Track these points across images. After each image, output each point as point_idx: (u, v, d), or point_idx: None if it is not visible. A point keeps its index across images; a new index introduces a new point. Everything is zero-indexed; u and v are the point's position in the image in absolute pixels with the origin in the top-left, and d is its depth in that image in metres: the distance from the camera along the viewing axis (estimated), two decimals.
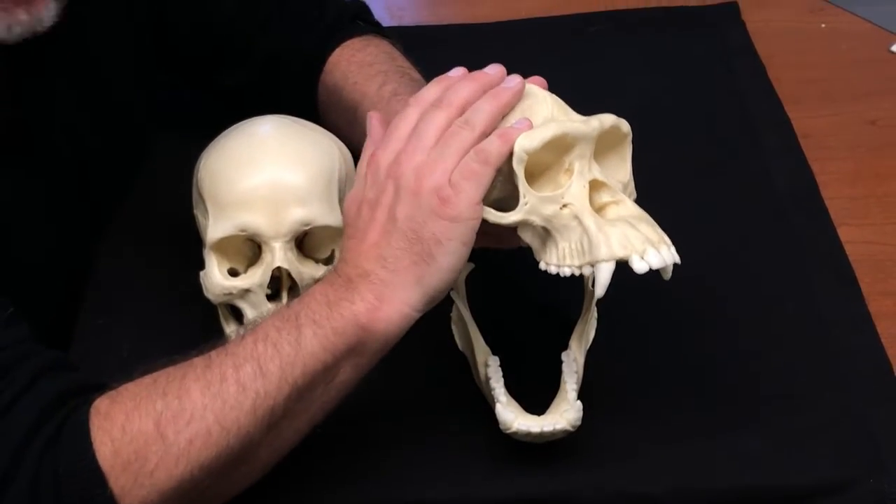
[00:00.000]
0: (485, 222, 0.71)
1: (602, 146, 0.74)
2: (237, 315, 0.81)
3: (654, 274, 0.70)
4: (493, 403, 0.75)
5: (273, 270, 0.78)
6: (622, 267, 0.70)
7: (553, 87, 0.78)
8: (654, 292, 0.78)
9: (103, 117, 0.93)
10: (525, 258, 0.75)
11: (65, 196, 0.91)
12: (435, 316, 0.74)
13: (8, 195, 0.85)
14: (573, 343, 0.79)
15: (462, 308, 0.80)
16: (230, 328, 0.81)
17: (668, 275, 0.71)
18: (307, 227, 0.79)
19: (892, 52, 1.17)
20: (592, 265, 0.70)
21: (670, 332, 0.86)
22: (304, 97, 0.99)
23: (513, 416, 0.74)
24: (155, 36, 0.99)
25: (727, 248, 0.93)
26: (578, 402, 0.74)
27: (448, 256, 0.70)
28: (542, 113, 0.74)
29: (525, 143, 0.71)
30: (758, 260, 0.92)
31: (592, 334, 0.80)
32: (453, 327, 0.82)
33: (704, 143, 1.05)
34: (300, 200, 0.78)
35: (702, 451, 0.77)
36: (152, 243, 0.94)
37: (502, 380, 0.76)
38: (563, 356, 0.78)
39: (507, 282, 0.87)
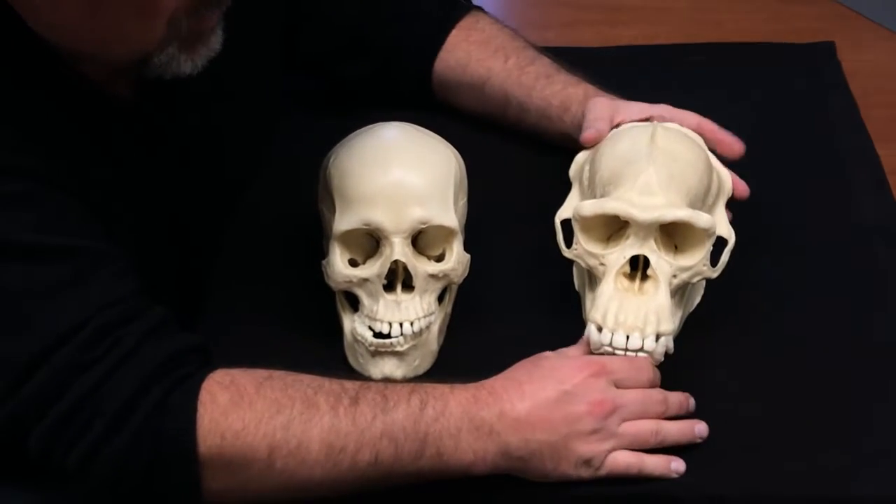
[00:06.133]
0: None
1: (685, 231, 0.84)
2: (353, 302, 0.87)
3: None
4: None
5: (391, 263, 0.84)
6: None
7: None
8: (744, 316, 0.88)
9: (242, 105, 1.00)
10: None
11: (202, 176, 0.97)
12: None
13: (154, 177, 0.92)
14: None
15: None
16: (346, 314, 0.88)
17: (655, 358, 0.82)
18: (424, 226, 0.85)
19: None
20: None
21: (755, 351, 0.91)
22: (419, 80, 1.08)
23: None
24: (284, 32, 1.06)
25: (812, 282, 0.96)
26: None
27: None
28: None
29: (581, 209, 0.84)
30: (842, 294, 0.95)
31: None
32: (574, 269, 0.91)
33: (791, 175, 1.07)
34: (420, 201, 0.84)
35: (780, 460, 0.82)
36: (275, 227, 1.02)
37: None
38: None
39: None
